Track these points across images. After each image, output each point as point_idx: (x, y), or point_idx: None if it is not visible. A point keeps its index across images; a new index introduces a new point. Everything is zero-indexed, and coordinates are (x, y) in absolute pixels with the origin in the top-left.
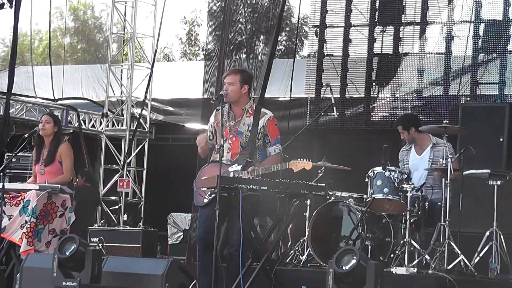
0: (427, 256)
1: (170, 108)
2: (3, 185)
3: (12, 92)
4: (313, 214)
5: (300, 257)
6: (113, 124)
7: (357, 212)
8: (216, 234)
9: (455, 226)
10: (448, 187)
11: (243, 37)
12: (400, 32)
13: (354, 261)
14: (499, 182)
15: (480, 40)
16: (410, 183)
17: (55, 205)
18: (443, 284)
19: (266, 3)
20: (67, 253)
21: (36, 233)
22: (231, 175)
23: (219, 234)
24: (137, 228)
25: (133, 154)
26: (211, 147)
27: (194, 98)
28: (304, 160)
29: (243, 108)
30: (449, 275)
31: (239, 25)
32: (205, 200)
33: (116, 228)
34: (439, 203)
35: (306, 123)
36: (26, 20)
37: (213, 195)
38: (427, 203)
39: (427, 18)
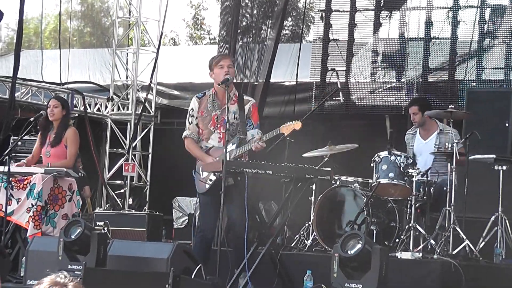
0: (432, 241)
1: (175, 92)
2: (9, 169)
3: (19, 76)
4: (319, 198)
5: (305, 241)
6: (119, 108)
7: (363, 197)
8: (221, 218)
9: (460, 211)
10: (454, 172)
11: (249, 21)
12: (406, 17)
13: (359, 246)
14: (504, 167)
15: (485, 25)
16: (416, 167)
17: (62, 189)
18: (448, 269)
19: None
20: (73, 237)
21: (48, 219)
22: (227, 155)
23: (224, 218)
24: (142, 212)
25: (138, 138)
26: (196, 138)
27: (199, 82)
28: (293, 121)
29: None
30: (454, 260)
31: (246, 10)
32: (207, 186)
33: (121, 212)
34: (445, 188)
35: (312, 108)
36: (31, 4)
37: (213, 182)
38: (432, 188)
39: (433, 3)
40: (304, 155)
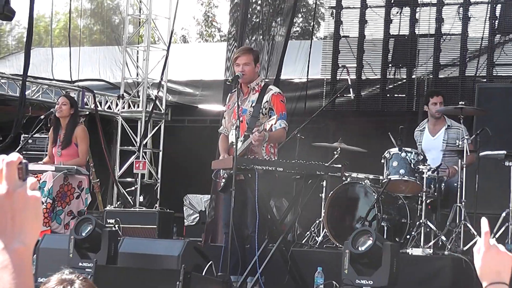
0: (443, 237)
1: (186, 90)
2: None
3: (30, 73)
4: (329, 195)
5: (316, 238)
6: (129, 106)
7: (373, 193)
8: (231, 216)
9: (471, 207)
10: (464, 169)
11: (259, 18)
12: (417, 13)
13: (370, 242)
14: None
15: (496, 21)
16: (426, 164)
17: (71, 187)
18: (459, 265)
19: None
20: (83, 234)
21: (54, 215)
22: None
23: (242, 216)
24: (153, 209)
25: (149, 136)
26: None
27: (210, 80)
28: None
29: (248, 86)
30: (465, 256)
31: (256, 6)
32: (222, 185)
33: (132, 209)
34: (455, 184)
35: (323, 105)
36: (41, 2)
37: (226, 178)
38: (443, 184)
39: None
40: (313, 143)
